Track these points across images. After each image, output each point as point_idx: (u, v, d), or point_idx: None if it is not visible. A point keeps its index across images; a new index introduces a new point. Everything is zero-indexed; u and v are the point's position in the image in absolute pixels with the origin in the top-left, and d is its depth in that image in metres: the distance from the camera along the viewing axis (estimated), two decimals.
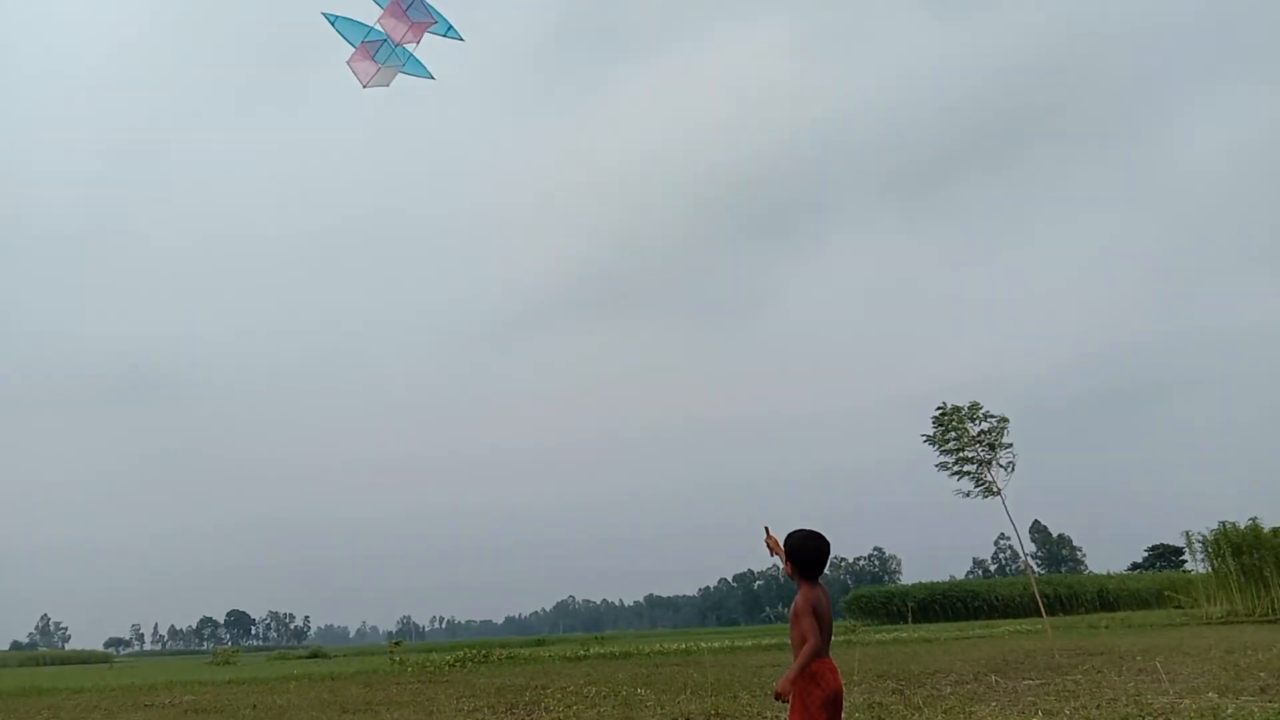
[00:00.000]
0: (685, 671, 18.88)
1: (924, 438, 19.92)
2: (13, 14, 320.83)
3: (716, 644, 33.79)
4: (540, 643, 55.43)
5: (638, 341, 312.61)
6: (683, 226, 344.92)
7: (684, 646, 32.49)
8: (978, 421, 19.26)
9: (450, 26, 13.31)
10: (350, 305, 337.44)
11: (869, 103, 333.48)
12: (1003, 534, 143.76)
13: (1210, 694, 10.50)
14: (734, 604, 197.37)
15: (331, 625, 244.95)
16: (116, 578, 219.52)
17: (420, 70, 13.97)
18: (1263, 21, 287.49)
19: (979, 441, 19.06)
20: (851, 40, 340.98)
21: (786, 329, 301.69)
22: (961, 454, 19.21)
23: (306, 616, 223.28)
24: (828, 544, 5.26)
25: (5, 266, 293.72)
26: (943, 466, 19.55)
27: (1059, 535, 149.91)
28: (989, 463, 18.86)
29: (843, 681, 5.05)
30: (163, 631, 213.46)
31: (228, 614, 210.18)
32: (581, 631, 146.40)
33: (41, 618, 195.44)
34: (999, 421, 19.18)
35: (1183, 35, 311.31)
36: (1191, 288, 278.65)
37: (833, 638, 5.26)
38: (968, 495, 19.16)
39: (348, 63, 13.42)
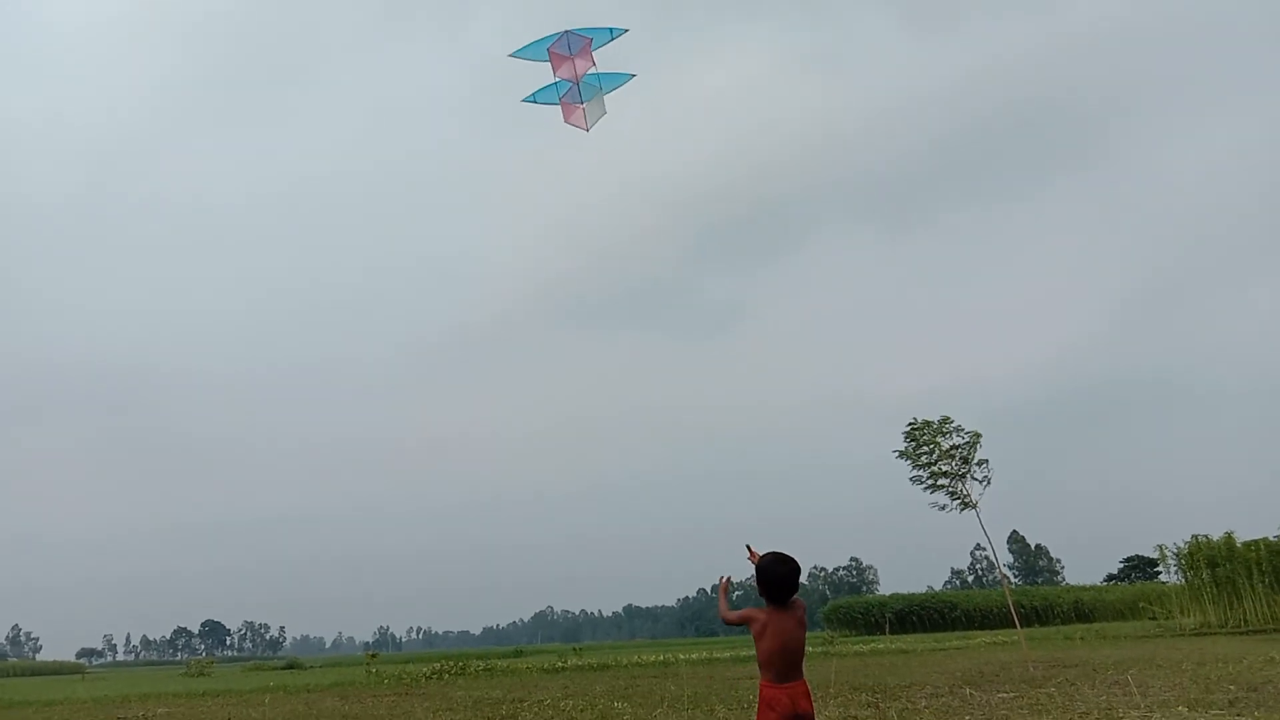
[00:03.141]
0: (663, 684, 18.89)
1: (896, 453, 19.95)
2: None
3: (694, 655, 33.79)
4: (518, 654, 55.37)
5: (610, 350, 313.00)
6: (664, 241, 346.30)
7: (662, 658, 32.47)
8: (949, 435, 19.30)
9: (610, 31, 13.92)
10: (330, 310, 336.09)
11: (848, 121, 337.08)
12: (979, 545, 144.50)
13: (1180, 708, 10.62)
14: (713, 615, 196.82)
15: (307, 636, 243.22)
16: (89, 587, 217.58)
17: (617, 80, 14.48)
18: (1240, 41, 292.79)
19: (951, 456, 19.10)
20: (831, 61, 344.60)
21: (765, 342, 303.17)
22: (934, 468, 19.24)
23: (282, 627, 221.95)
24: (793, 568, 5.19)
25: None
26: (916, 481, 19.58)
27: (1037, 546, 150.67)
28: (963, 476, 18.92)
29: (810, 706, 5.04)
30: (136, 642, 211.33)
31: (202, 624, 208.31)
32: (560, 642, 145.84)
33: (12, 628, 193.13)
34: (972, 436, 19.24)
35: (1158, 54, 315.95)
36: (1165, 302, 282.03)
37: (807, 649, 5.26)
38: (943, 509, 19.21)
39: (565, 121, 14.07)
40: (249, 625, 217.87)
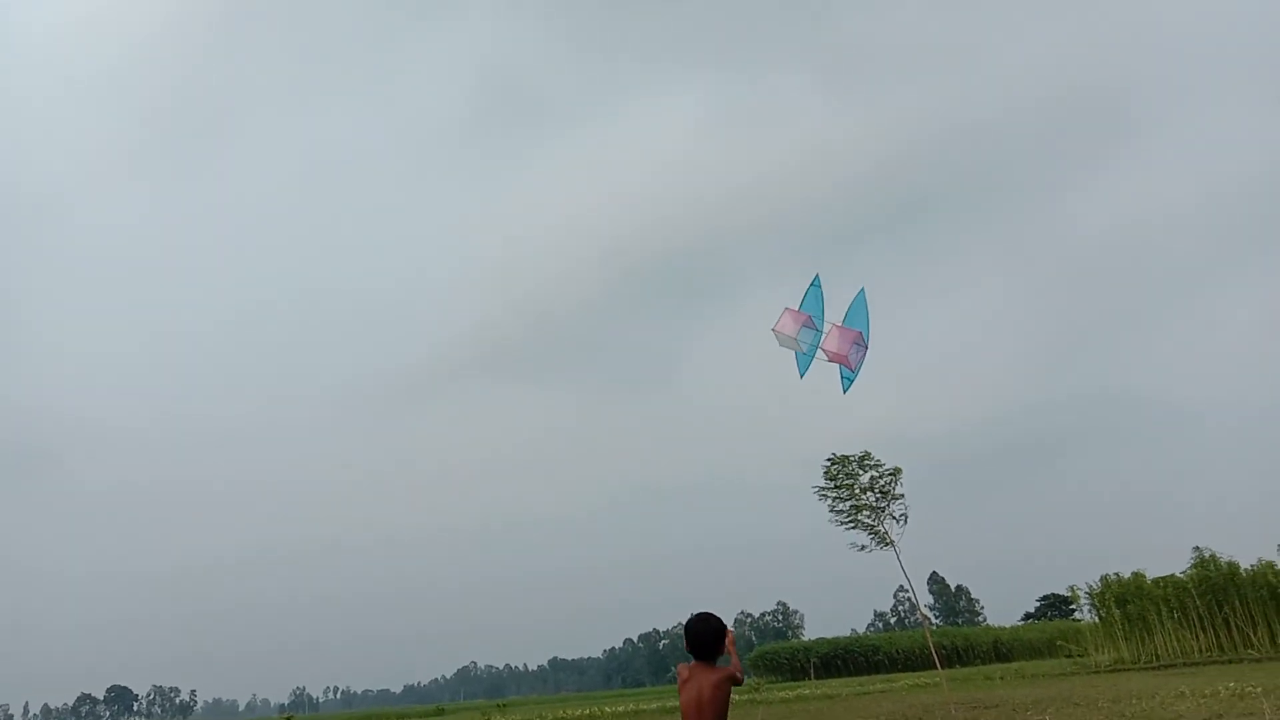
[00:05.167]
0: None
1: (815, 489, 19.94)
2: None
3: (621, 708, 33.30)
4: (439, 712, 53.89)
5: (544, 405, 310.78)
6: (595, 292, 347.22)
7: (588, 712, 31.93)
8: (868, 470, 19.34)
9: (851, 382, 15.59)
10: (249, 371, 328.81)
11: (774, 177, 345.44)
12: (902, 586, 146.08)
13: None
14: (640, 665, 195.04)
15: (220, 699, 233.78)
16: None
17: (803, 366, 15.97)
18: (1143, 101, 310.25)
19: (870, 489, 19.14)
20: (756, 119, 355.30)
21: (694, 389, 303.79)
22: (853, 504, 19.24)
23: (193, 690, 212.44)
24: (713, 626, 5.32)
25: None
26: (835, 519, 19.55)
27: (957, 586, 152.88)
28: (881, 512, 18.93)
29: None
30: (36, 710, 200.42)
31: (108, 689, 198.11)
32: (483, 698, 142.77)
33: None
34: (892, 471, 19.28)
35: (1066, 115, 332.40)
36: (1072, 351, 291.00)
37: (734, 698, 5.28)
38: (863, 549, 19.20)
39: (787, 309, 15.63)
40: (157, 690, 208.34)
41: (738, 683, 5.30)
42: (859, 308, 15.67)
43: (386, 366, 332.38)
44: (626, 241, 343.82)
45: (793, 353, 15.57)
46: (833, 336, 15.25)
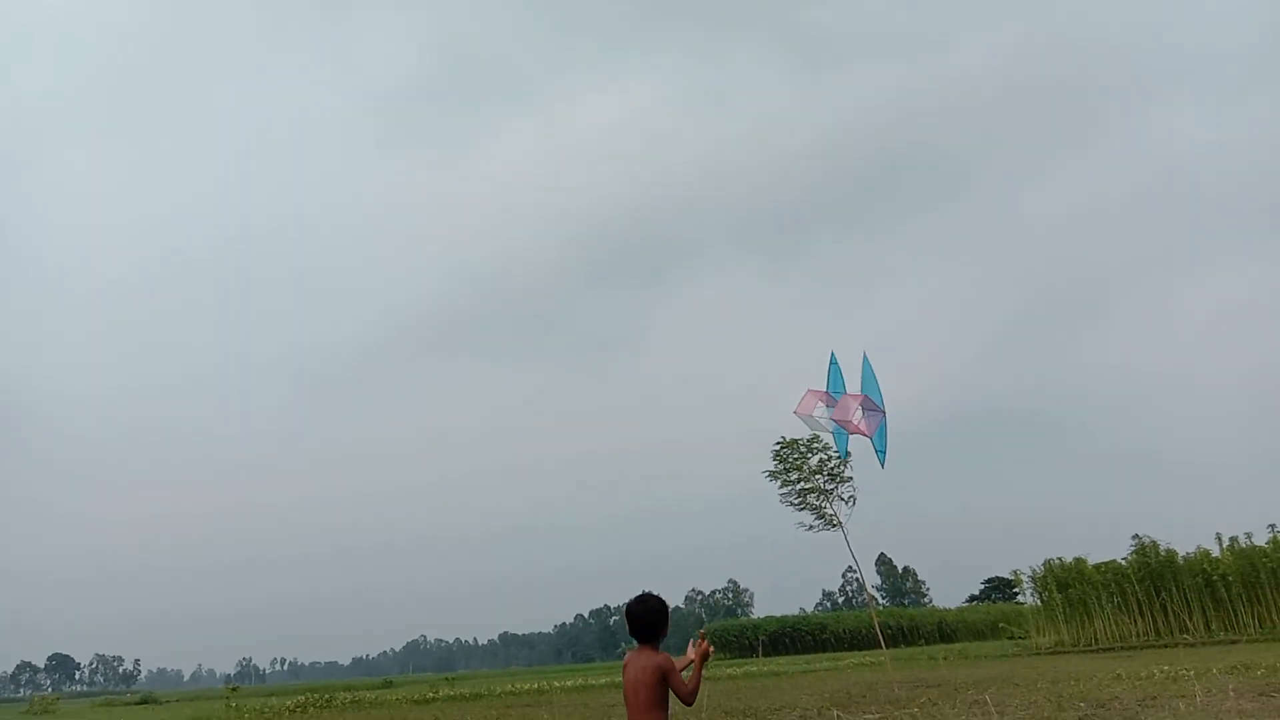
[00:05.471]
0: (535, 712, 18.56)
1: (766, 474, 20.01)
2: None
3: (570, 683, 33.38)
4: (387, 685, 53.63)
5: (499, 377, 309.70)
6: (549, 265, 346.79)
7: (537, 686, 31.93)
8: (817, 453, 19.41)
9: (884, 455, 16.16)
10: (201, 340, 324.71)
11: (732, 156, 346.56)
12: (850, 567, 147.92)
13: None
14: (590, 640, 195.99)
15: (165, 669, 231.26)
16: None
17: (840, 446, 16.90)
18: (1092, 92, 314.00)
19: (819, 472, 19.24)
20: (716, 97, 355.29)
21: (648, 367, 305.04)
22: (802, 486, 19.33)
23: (137, 659, 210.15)
24: (650, 607, 5.20)
25: None
26: (785, 500, 19.62)
27: (904, 568, 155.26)
28: (830, 494, 19.05)
29: None
30: None
31: (49, 657, 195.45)
32: (433, 672, 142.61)
33: None
34: (841, 455, 19.37)
35: (1019, 101, 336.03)
36: (1023, 334, 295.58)
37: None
38: (810, 529, 19.30)
39: (809, 390, 16.23)
40: (100, 658, 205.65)
41: (684, 698, 4.99)
42: (867, 375, 16.28)
43: (336, 336, 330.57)
44: (582, 213, 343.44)
45: (817, 423, 16.34)
46: (842, 405, 15.64)
